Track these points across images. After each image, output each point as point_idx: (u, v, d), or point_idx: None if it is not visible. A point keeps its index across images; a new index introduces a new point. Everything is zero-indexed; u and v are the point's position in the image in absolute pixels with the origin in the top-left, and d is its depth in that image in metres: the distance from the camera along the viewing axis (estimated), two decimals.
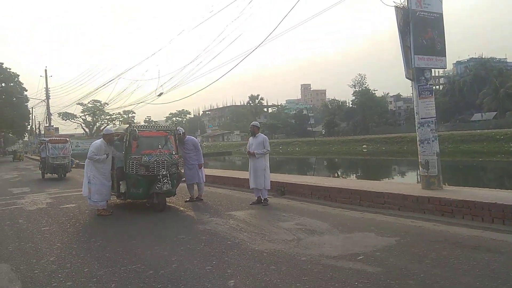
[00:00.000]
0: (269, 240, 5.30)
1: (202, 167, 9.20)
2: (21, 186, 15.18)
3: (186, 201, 8.91)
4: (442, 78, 76.46)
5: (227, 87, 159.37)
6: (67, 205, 9.42)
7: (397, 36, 7.41)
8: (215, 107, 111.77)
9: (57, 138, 21.67)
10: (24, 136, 70.91)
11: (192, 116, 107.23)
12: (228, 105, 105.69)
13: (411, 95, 7.49)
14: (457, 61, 77.70)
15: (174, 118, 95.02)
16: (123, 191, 8.15)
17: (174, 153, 8.37)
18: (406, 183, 11.81)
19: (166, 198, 8.16)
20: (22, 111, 54.31)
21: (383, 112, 72.75)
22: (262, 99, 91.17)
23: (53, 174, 17.99)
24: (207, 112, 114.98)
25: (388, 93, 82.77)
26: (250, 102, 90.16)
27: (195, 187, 9.11)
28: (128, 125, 8.41)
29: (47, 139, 20.38)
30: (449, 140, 36.56)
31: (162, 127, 9.63)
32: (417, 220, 5.97)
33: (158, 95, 21.40)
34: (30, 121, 60.32)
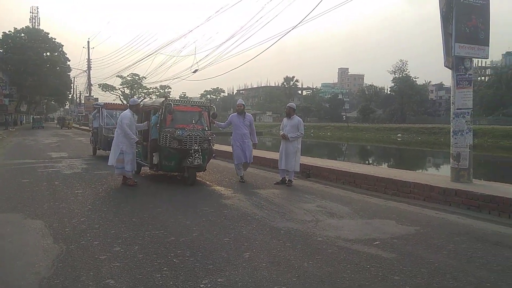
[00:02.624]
0: (288, 219, 5.40)
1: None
2: (59, 151, 16.05)
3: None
4: (489, 69, 72.51)
5: (262, 67, 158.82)
6: (100, 171, 9.93)
7: None
8: (249, 86, 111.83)
9: (114, 103, 16.66)
10: (66, 104, 74.10)
11: (226, 94, 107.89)
12: (262, 85, 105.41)
13: None
14: (507, 52, 73.08)
15: (208, 96, 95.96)
16: (155, 163, 8.31)
17: (206, 129, 8.46)
18: (435, 174, 11.53)
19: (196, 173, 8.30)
20: (64, 80, 56.84)
21: (423, 101, 70.36)
22: (297, 81, 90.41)
23: (107, 151, 12.40)
24: (241, 92, 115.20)
25: (430, 82, 79.79)
26: (285, 83, 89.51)
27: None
28: (164, 99, 8.51)
29: (101, 103, 15.13)
30: (489, 134, 35.00)
31: (197, 102, 9.70)
32: (442, 212, 5.87)
33: (193, 72, 21.74)
34: (72, 90, 62.94)
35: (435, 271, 3.54)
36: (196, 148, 7.84)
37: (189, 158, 7.77)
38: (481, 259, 3.84)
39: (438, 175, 10.52)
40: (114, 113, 13.85)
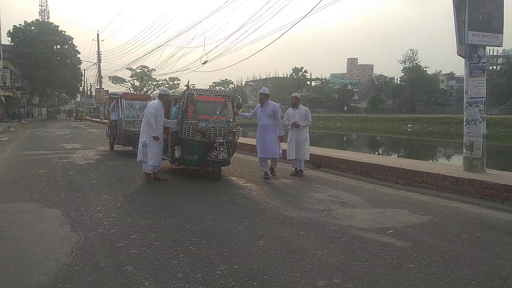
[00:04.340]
0: (300, 208, 5.44)
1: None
2: (72, 143, 16.26)
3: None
4: (501, 58, 71.18)
5: (271, 58, 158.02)
6: (114, 162, 10.06)
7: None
8: (258, 78, 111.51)
9: (134, 93, 15.32)
10: (77, 97, 74.75)
11: (235, 86, 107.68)
12: (271, 76, 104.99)
13: None
14: None
15: (217, 87, 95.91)
16: (177, 157, 7.83)
17: (231, 121, 7.97)
18: (447, 164, 11.45)
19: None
20: (75, 73, 57.23)
21: (434, 91, 69.52)
22: (305, 71, 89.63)
23: (127, 147, 12.22)
24: (249, 83, 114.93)
25: (440, 71, 78.61)
26: (293, 74, 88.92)
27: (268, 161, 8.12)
28: (185, 88, 7.89)
29: (120, 93, 13.50)
30: (501, 124, 34.43)
31: (220, 92, 9.11)
32: (455, 201, 5.85)
33: (202, 63, 21.72)
34: (82, 82, 63.39)
35: (449, 259, 3.55)
36: (221, 141, 7.39)
37: (214, 151, 7.28)
38: (496, 248, 3.84)
39: (451, 165, 10.46)
40: (135, 104, 12.57)
